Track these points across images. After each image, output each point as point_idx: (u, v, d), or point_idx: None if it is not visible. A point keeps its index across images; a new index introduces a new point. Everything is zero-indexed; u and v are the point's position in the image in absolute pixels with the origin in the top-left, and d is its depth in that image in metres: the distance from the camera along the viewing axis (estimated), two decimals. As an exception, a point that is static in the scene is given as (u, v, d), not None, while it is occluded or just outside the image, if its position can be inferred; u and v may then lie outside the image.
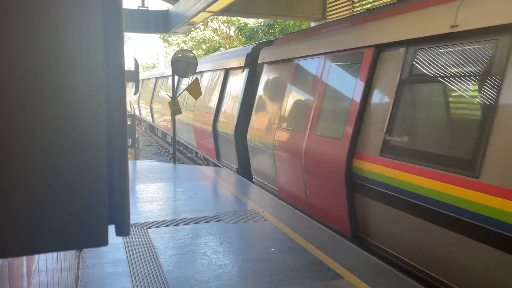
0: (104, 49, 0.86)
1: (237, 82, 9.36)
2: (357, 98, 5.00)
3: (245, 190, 6.85)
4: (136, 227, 4.97)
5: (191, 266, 3.92)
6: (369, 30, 5.07)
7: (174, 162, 10.27)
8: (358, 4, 10.90)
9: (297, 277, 3.69)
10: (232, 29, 31.45)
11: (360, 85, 5.00)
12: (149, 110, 20.65)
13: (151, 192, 6.71)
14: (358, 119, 4.92)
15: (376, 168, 4.53)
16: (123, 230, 0.92)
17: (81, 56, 0.84)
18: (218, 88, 10.33)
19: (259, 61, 8.28)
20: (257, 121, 7.88)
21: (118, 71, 0.88)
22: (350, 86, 5.20)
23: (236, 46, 24.34)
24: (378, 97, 4.81)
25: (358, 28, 5.34)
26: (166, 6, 13.33)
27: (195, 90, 9.64)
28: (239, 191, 6.76)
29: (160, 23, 12.76)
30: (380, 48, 4.84)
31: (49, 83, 0.82)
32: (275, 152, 6.91)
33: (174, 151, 10.64)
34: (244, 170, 8.78)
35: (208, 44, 34.16)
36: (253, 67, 8.80)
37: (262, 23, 23.15)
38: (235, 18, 28.94)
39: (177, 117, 12.59)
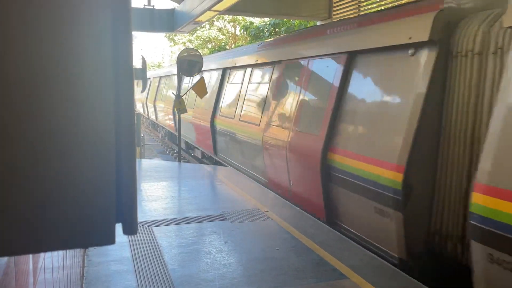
0: (113, 47, 0.86)
1: (396, 77, 4.78)
2: None
3: (250, 190, 6.85)
4: (141, 226, 4.98)
5: (195, 264, 3.92)
6: None
7: (179, 161, 10.29)
8: (364, 4, 10.86)
9: (301, 277, 3.68)
10: (238, 28, 31.45)
11: None
12: (171, 116, 16.09)
13: (156, 190, 6.72)
14: None
15: None
16: (130, 228, 0.92)
17: (89, 54, 0.84)
18: (332, 87, 5.79)
19: None
20: None
21: (126, 70, 0.88)
22: None
23: (242, 45, 23.83)
24: None
25: None
26: (172, 5, 13.34)
27: (200, 89, 9.65)
28: (244, 191, 6.75)
29: (165, 22, 12.78)
30: None
31: (57, 82, 0.82)
32: None
33: (179, 149, 10.65)
34: (415, 264, 4.37)
35: (213, 43, 34.18)
36: (445, 42, 4.27)
37: (267, 22, 23.12)
38: (240, 17, 28.93)
39: (222, 129, 9.93)
